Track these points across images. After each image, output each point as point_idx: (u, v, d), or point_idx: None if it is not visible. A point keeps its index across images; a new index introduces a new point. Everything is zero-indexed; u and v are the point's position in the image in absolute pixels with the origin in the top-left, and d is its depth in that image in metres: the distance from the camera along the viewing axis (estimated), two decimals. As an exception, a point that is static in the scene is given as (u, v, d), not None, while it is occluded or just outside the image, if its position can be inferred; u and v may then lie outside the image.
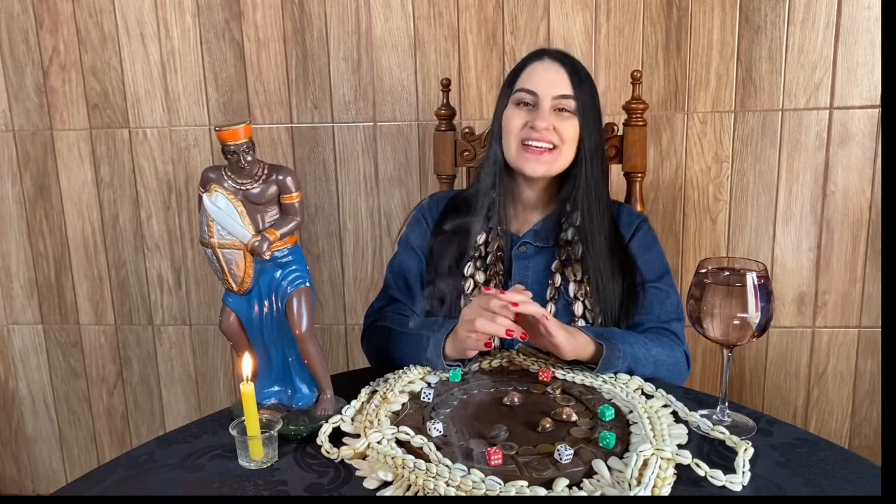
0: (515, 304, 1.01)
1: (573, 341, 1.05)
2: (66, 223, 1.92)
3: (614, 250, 1.22)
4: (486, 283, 1.22)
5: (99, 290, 1.95)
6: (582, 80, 1.22)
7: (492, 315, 1.01)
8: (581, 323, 1.18)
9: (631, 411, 0.94)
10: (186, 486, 0.83)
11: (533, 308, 1.01)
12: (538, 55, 1.25)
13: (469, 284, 1.22)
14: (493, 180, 1.26)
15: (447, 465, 0.81)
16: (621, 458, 0.83)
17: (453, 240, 1.25)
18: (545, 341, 1.05)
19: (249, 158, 0.89)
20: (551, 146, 1.20)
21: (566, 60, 1.23)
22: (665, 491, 0.77)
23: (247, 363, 0.89)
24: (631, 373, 1.07)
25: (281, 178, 0.91)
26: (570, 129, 1.20)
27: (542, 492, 0.77)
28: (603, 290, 1.19)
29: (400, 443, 0.87)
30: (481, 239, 1.25)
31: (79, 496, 0.82)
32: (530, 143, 1.20)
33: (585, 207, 1.21)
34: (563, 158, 1.22)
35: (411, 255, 1.29)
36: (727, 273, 0.91)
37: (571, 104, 1.20)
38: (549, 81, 1.20)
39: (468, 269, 1.23)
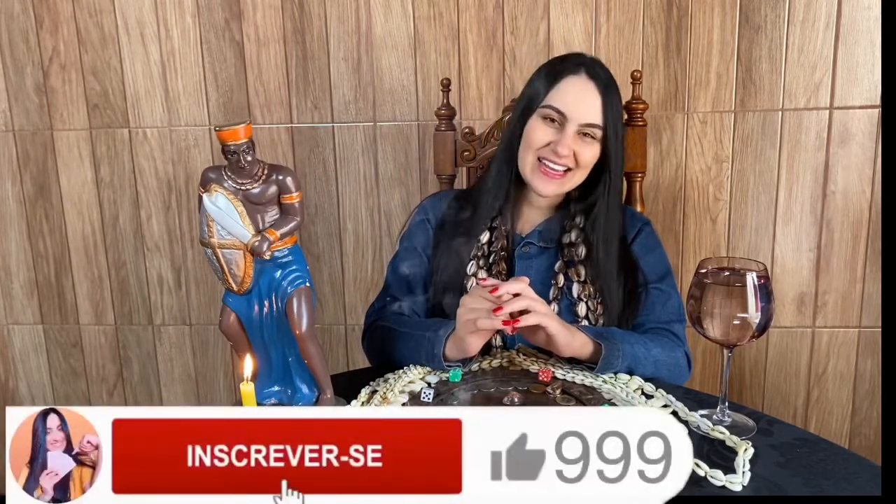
0: (494, 290, 1.00)
1: (570, 337, 1.05)
2: (66, 223, 1.92)
3: (617, 253, 1.22)
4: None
5: (99, 290, 1.95)
6: (613, 102, 1.19)
7: (487, 312, 1.00)
8: (584, 324, 1.18)
9: (631, 411, 0.94)
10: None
11: (518, 304, 1.00)
12: (576, 68, 1.20)
13: (472, 283, 1.22)
14: (500, 180, 1.25)
15: (447, 465, 0.81)
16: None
17: (456, 238, 1.25)
18: (541, 336, 1.05)
19: (249, 158, 0.89)
20: (567, 169, 1.19)
21: (601, 80, 1.19)
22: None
23: (247, 363, 0.89)
24: (631, 373, 1.07)
25: (281, 178, 0.91)
26: (590, 154, 1.19)
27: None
28: (606, 292, 1.19)
29: (400, 443, 0.87)
30: (485, 238, 1.25)
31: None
32: (547, 163, 1.19)
33: (603, 222, 1.21)
34: (575, 181, 1.21)
35: (413, 254, 1.29)
36: (727, 273, 0.91)
37: (598, 132, 1.18)
38: (581, 104, 1.17)
39: (471, 268, 1.23)
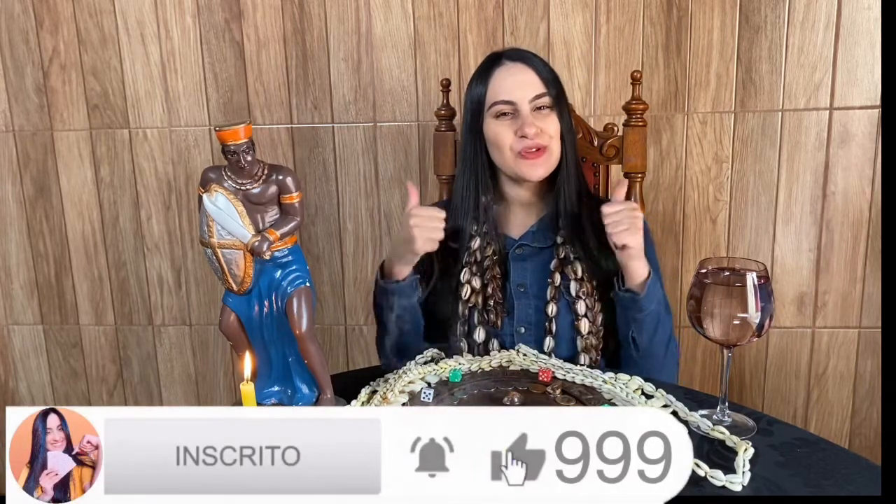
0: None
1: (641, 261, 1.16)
2: (66, 223, 1.92)
3: (610, 247, 1.22)
4: (484, 286, 1.22)
5: (99, 290, 1.95)
6: (547, 73, 1.23)
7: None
8: (584, 322, 1.18)
9: (631, 411, 0.94)
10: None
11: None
12: (497, 61, 1.24)
13: (466, 290, 1.22)
14: (478, 186, 1.26)
15: (447, 465, 0.81)
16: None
17: (448, 247, 1.25)
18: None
19: (249, 158, 0.89)
20: (544, 146, 1.21)
21: (525, 58, 1.23)
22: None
23: (247, 363, 0.89)
24: (655, 330, 1.18)
25: (281, 178, 0.91)
26: (553, 124, 1.22)
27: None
28: (602, 288, 1.19)
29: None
30: (475, 244, 1.25)
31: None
32: (524, 150, 1.20)
33: (571, 195, 1.24)
34: (555, 154, 1.23)
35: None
36: (727, 273, 0.91)
37: (547, 101, 1.21)
38: (521, 85, 1.21)
39: (464, 276, 1.23)
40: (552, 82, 1.22)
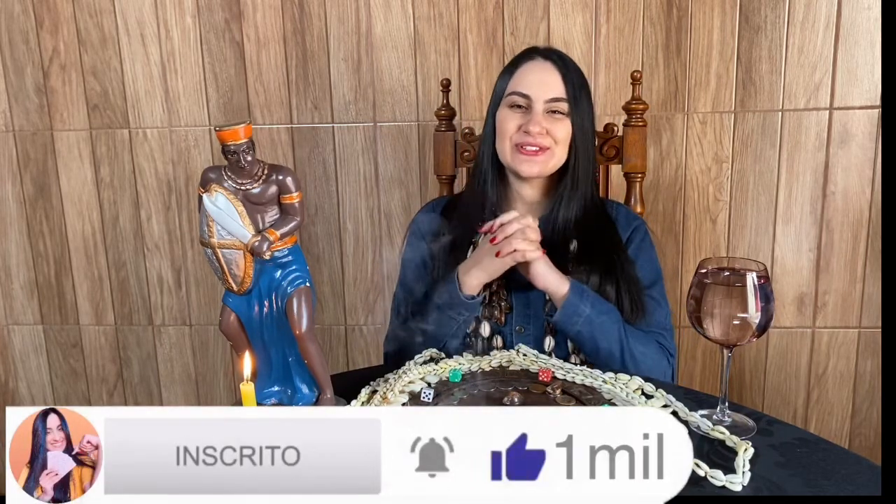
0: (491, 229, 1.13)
1: (547, 264, 1.14)
2: (66, 223, 1.92)
3: (610, 248, 1.22)
4: (489, 282, 1.22)
5: (99, 290, 1.95)
6: (574, 79, 1.22)
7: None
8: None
9: (631, 411, 0.94)
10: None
11: (510, 228, 1.12)
12: (529, 55, 1.25)
13: None
14: (488, 181, 1.27)
15: (447, 465, 0.81)
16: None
17: (453, 244, 1.25)
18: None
19: (249, 158, 0.89)
20: (545, 147, 1.20)
21: (558, 59, 1.23)
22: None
23: (247, 363, 0.89)
24: (596, 344, 1.13)
25: (281, 178, 0.91)
26: (563, 130, 1.21)
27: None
28: (602, 287, 1.19)
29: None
30: (480, 240, 1.25)
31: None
32: (524, 146, 1.20)
33: (573, 201, 1.23)
34: (557, 158, 1.22)
35: (416, 268, 1.29)
36: (727, 273, 0.91)
37: (564, 106, 1.20)
38: (542, 83, 1.21)
39: None
40: (576, 90, 1.21)
